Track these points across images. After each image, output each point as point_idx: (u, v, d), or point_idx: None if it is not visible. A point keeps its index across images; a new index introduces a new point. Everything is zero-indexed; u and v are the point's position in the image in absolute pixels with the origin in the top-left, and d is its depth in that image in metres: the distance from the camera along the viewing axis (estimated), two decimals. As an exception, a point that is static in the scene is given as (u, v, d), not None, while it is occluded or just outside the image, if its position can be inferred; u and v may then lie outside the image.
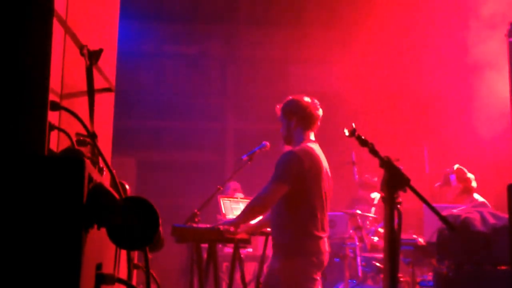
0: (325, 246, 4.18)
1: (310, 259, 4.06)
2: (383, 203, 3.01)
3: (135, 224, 1.66)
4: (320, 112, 4.32)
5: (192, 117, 9.91)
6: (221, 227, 4.02)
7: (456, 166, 5.95)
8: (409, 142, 7.30)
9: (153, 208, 1.66)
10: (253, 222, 4.32)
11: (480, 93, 7.34)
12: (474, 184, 5.82)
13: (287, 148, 4.32)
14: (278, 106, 4.41)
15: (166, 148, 10.04)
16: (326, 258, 4.17)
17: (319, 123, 4.33)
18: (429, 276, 5.55)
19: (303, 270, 4.06)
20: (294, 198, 4.09)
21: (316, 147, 4.24)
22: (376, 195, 6.99)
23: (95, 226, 1.68)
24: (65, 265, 1.54)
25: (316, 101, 4.34)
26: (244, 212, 4.21)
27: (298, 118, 4.26)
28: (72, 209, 1.56)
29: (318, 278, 4.12)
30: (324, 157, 4.27)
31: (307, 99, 4.33)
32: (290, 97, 4.39)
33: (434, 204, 3.04)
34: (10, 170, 1.56)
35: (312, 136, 4.30)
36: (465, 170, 5.94)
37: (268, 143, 4.76)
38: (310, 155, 4.13)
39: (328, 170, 4.30)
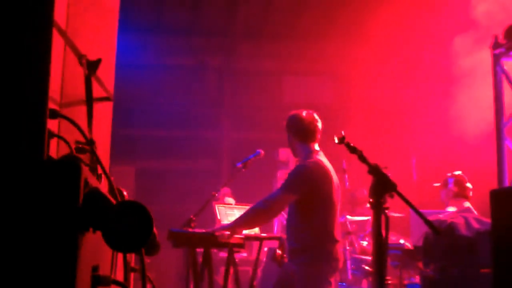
0: (341, 253, 4.41)
1: (330, 264, 4.26)
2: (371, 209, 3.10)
3: (129, 227, 1.65)
4: (319, 125, 4.50)
5: (190, 127, 9.99)
6: (216, 232, 4.11)
7: (458, 172, 6.03)
8: (397, 152, 7.40)
9: (146, 211, 1.67)
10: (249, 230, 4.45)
11: (466, 103, 7.44)
12: (470, 193, 5.89)
13: (298, 160, 4.55)
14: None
15: (164, 157, 10.10)
16: (340, 265, 4.38)
17: (318, 135, 4.49)
18: (416, 279, 5.63)
19: (321, 274, 4.24)
20: (309, 206, 4.29)
21: (324, 160, 4.43)
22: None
23: (91, 230, 1.69)
24: (60, 267, 1.53)
25: (315, 115, 4.52)
26: (245, 216, 4.33)
27: (294, 133, 4.47)
28: (68, 212, 1.56)
29: (333, 281, 4.30)
30: (332, 168, 4.45)
31: (304, 114, 4.51)
32: (291, 112, 4.58)
33: (421, 210, 3.12)
34: (7, 173, 1.57)
35: (316, 147, 4.48)
36: (466, 178, 6.01)
37: (262, 151, 4.84)
38: (320, 167, 4.34)
39: (337, 180, 4.49)
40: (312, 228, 4.31)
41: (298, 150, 4.50)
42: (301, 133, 4.45)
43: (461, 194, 5.83)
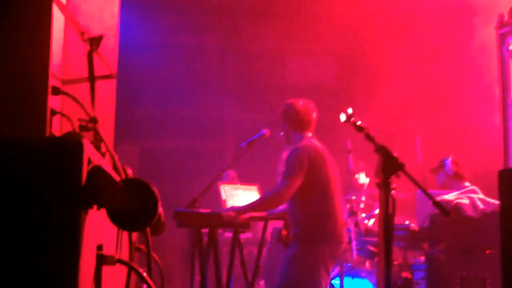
0: (344, 235, 4.42)
1: (329, 247, 4.28)
2: (377, 189, 3.08)
3: (135, 205, 1.64)
4: (314, 115, 4.57)
5: (193, 107, 9.98)
6: (223, 212, 4.11)
7: (451, 155, 6.03)
8: (402, 133, 7.36)
9: (151, 189, 1.65)
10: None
11: (471, 84, 7.41)
12: (466, 172, 5.89)
13: (289, 147, 4.58)
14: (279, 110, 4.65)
15: (168, 136, 10.10)
16: (341, 249, 4.42)
17: (312, 125, 4.56)
18: (421, 259, 5.64)
19: (318, 257, 4.25)
20: (307, 189, 4.30)
21: (315, 141, 4.48)
22: (365, 180, 6.99)
23: (95, 207, 1.66)
24: (64, 245, 1.52)
25: (310, 105, 4.58)
26: (257, 202, 4.37)
27: (290, 123, 4.54)
28: (71, 190, 1.54)
29: (330, 268, 4.31)
30: (326, 149, 4.49)
31: (301, 103, 4.57)
32: (288, 101, 4.63)
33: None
34: (10, 151, 1.55)
35: (309, 135, 4.54)
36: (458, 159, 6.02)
37: (266, 131, 4.82)
38: (312, 148, 4.39)
39: (333, 161, 4.51)
40: (311, 210, 4.34)
41: (291, 138, 4.56)
42: (296, 124, 4.52)
43: (460, 173, 5.82)
